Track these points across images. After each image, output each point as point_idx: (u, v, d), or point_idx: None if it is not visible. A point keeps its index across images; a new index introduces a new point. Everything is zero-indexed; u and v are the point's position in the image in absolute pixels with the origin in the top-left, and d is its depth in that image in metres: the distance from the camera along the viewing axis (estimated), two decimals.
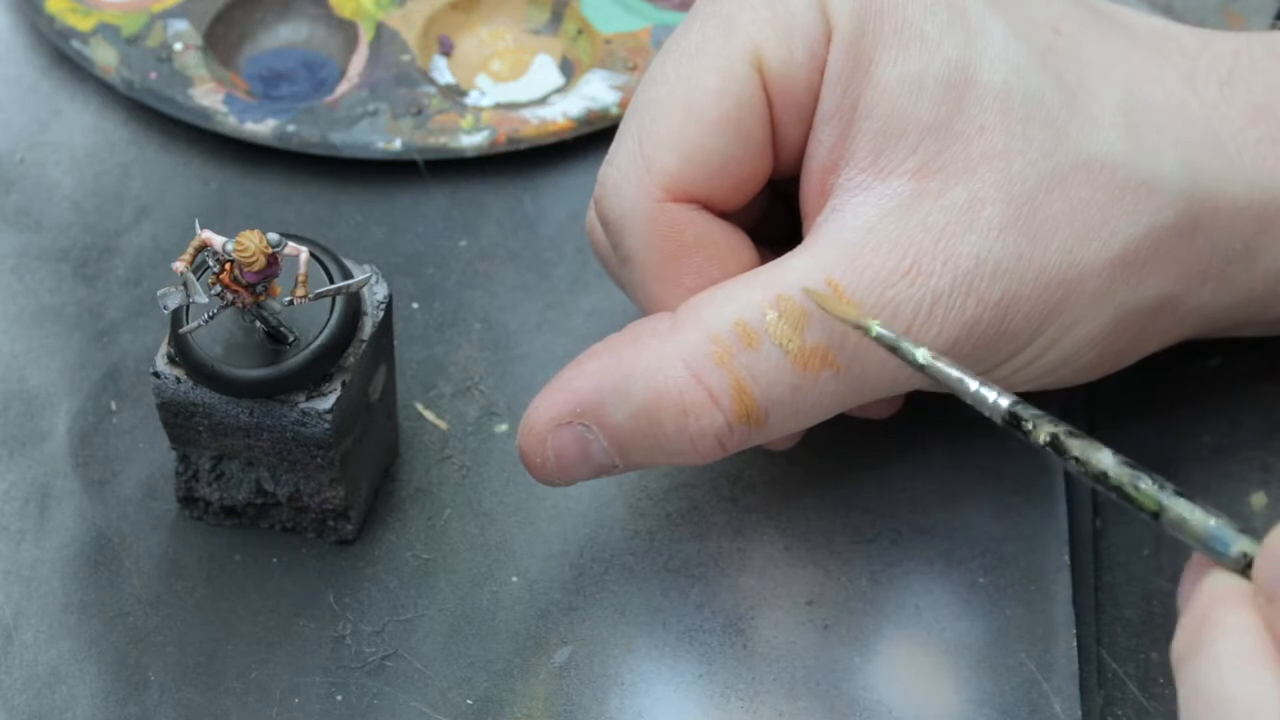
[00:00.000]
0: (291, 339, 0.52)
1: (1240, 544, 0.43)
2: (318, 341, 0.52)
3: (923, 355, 0.48)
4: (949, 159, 0.50)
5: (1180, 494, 0.45)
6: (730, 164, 0.52)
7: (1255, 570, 0.43)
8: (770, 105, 0.52)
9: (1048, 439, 0.46)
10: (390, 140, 0.65)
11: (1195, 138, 0.53)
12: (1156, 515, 0.45)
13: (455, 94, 0.67)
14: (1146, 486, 0.45)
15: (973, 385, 0.48)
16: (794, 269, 0.50)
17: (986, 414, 0.47)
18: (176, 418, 0.54)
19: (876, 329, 0.49)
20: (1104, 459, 0.46)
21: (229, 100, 0.65)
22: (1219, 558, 0.44)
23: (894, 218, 0.50)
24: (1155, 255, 0.52)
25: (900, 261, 0.50)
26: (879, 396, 0.52)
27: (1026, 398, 0.54)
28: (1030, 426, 0.47)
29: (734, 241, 0.53)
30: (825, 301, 0.49)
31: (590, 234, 0.57)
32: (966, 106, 0.50)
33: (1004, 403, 0.47)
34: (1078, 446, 0.46)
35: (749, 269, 0.52)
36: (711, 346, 0.50)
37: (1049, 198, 0.51)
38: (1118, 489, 0.45)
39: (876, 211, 0.50)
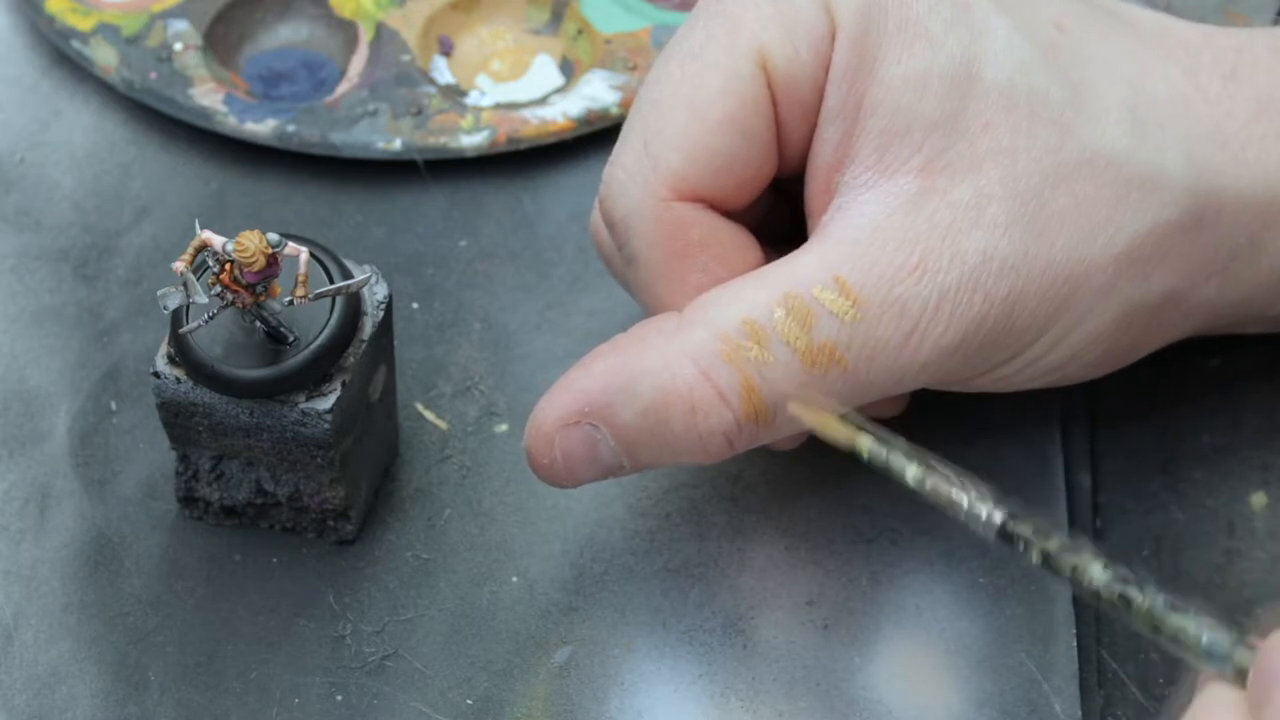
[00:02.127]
0: (291, 339, 0.52)
1: (1235, 657, 0.43)
2: (318, 341, 0.52)
3: (912, 475, 0.48)
4: (954, 156, 0.50)
5: (1176, 608, 0.44)
6: (735, 163, 0.52)
7: (1248, 684, 0.43)
8: (775, 104, 0.52)
9: (1039, 559, 0.46)
10: (390, 140, 0.65)
11: (1199, 133, 0.53)
12: (1154, 632, 0.45)
13: (455, 94, 0.67)
14: (1138, 604, 0.45)
15: (964, 502, 0.47)
16: (801, 267, 0.50)
17: (979, 533, 0.47)
18: (176, 418, 0.54)
19: (868, 448, 0.49)
20: (1095, 575, 0.45)
21: (229, 100, 0.65)
22: (1217, 669, 0.44)
23: (900, 215, 0.50)
24: (1160, 251, 0.52)
25: (907, 258, 0.50)
26: (885, 395, 0.52)
27: (1030, 395, 0.55)
28: (1022, 547, 0.46)
29: (740, 240, 0.53)
30: (818, 422, 0.50)
31: (594, 234, 0.57)
32: (971, 103, 0.50)
33: (997, 519, 0.47)
34: (1069, 564, 0.46)
35: (755, 268, 0.52)
36: (719, 345, 0.50)
37: (1054, 194, 0.51)
38: (1110, 605, 0.45)
39: (883, 209, 0.50)
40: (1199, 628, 0.44)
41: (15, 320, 0.61)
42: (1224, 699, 0.43)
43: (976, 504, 0.47)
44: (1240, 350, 0.60)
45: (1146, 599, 0.45)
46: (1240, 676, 0.43)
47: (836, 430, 0.49)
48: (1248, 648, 0.43)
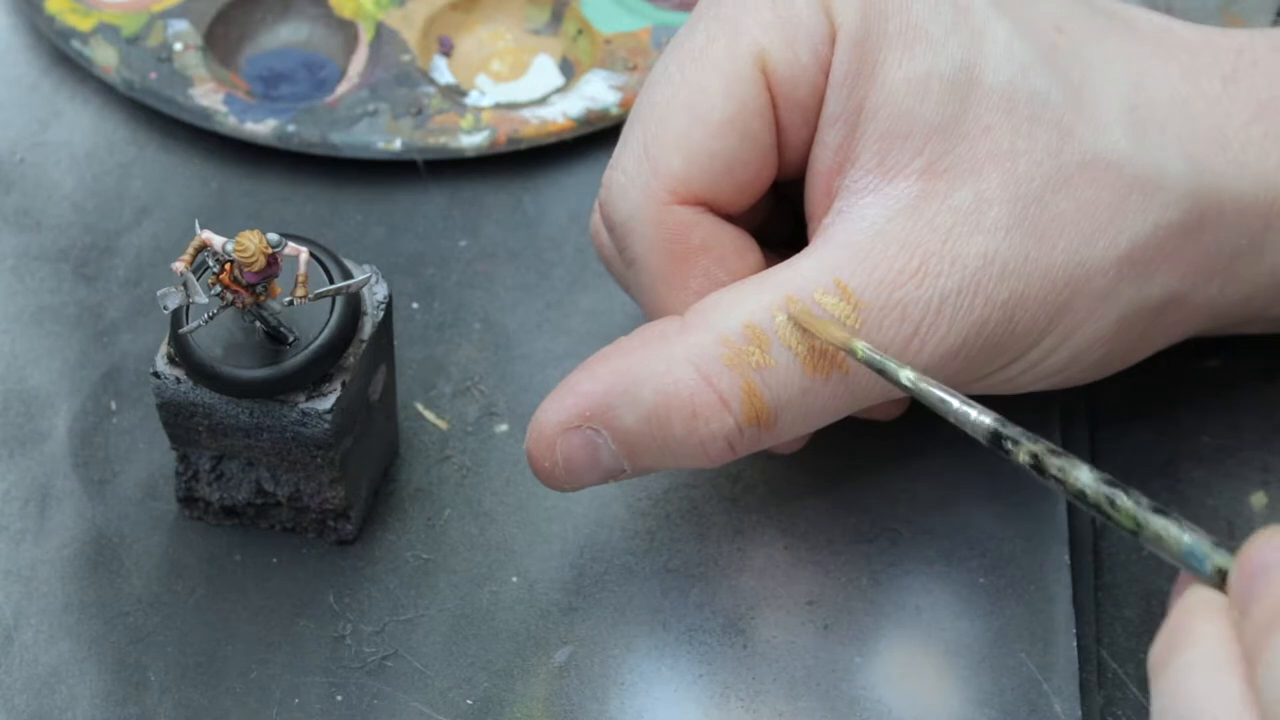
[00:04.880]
0: (291, 339, 0.52)
1: (1216, 559, 0.43)
2: (318, 341, 0.52)
3: (906, 376, 0.48)
4: (955, 159, 0.50)
5: (1159, 510, 0.44)
6: (736, 166, 0.52)
7: (1229, 583, 0.43)
8: (775, 107, 0.52)
9: (1028, 458, 0.46)
10: (390, 140, 0.65)
11: (1200, 134, 0.53)
12: (1135, 532, 0.45)
13: (455, 94, 0.67)
14: (1123, 503, 0.45)
15: (955, 404, 0.48)
16: (803, 271, 0.50)
17: (969, 432, 0.47)
18: (176, 418, 0.54)
19: (863, 350, 0.49)
20: (1082, 476, 0.45)
21: (229, 100, 0.65)
22: (1197, 572, 0.44)
23: (901, 219, 0.50)
24: (1162, 253, 0.52)
25: (908, 262, 0.50)
26: (886, 398, 0.52)
27: (1030, 396, 0.55)
28: (1011, 446, 0.47)
29: (740, 244, 0.53)
30: (811, 323, 0.50)
31: (595, 237, 0.57)
32: (972, 107, 0.50)
33: (986, 421, 0.47)
34: (1057, 465, 0.46)
35: (755, 271, 0.52)
36: (721, 349, 0.50)
37: (1055, 197, 0.51)
38: (1096, 507, 0.45)
39: (884, 213, 0.50)
40: (1181, 529, 0.44)
41: (15, 320, 0.61)
42: (1206, 600, 0.43)
43: (966, 405, 0.47)
44: (1240, 350, 0.60)
45: (1131, 499, 0.45)
46: (1221, 578, 0.43)
47: (833, 334, 0.49)
48: (1229, 551, 0.43)
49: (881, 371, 0.49)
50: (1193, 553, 0.44)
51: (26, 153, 0.66)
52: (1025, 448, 0.46)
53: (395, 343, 0.57)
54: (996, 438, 0.47)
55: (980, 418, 0.47)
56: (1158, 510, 0.44)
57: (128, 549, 0.56)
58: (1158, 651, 0.43)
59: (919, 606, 0.55)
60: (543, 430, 0.52)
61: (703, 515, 0.57)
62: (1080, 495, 0.45)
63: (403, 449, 0.59)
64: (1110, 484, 0.45)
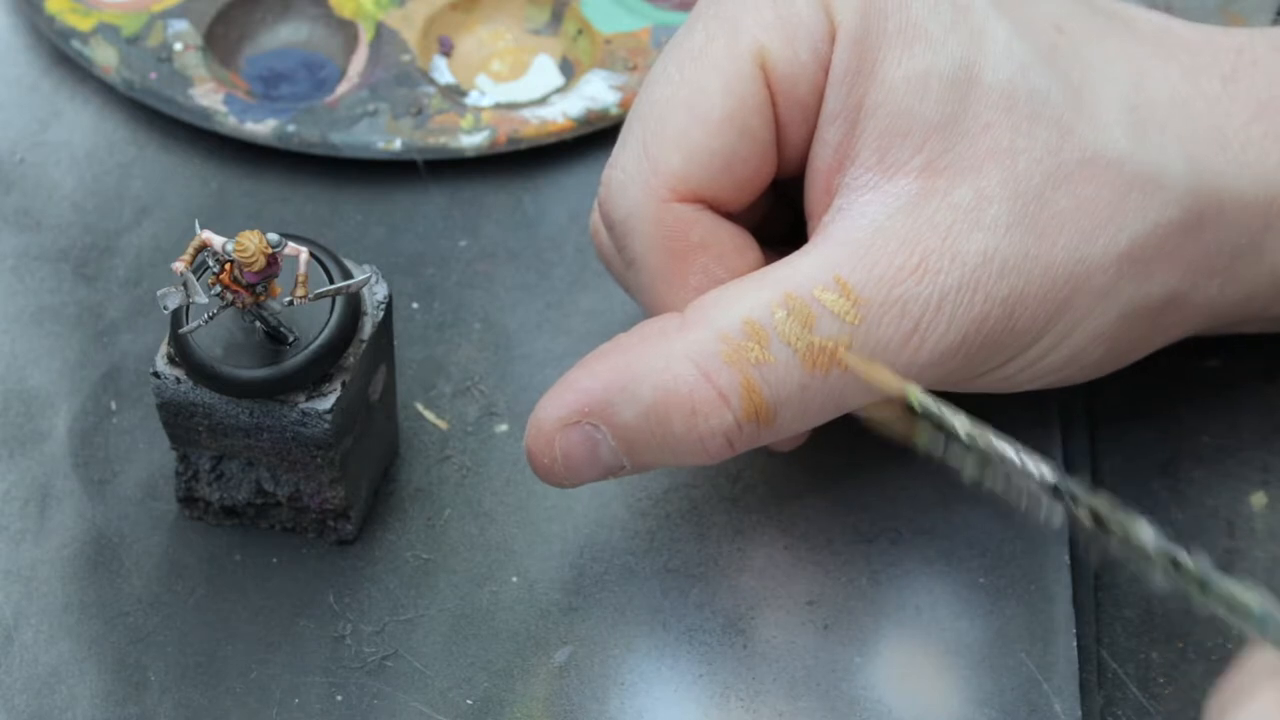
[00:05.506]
0: (291, 339, 0.52)
1: None
2: (318, 341, 0.52)
3: (963, 426, 0.48)
4: (955, 157, 0.50)
5: (1223, 572, 0.45)
6: (735, 164, 0.52)
7: None
8: (774, 105, 0.52)
9: (1089, 518, 0.46)
10: (390, 140, 0.65)
11: (1200, 133, 0.53)
12: (1203, 593, 0.45)
13: (455, 94, 0.67)
14: (1188, 566, 0.45)
15: (1013, 457, 0.48)
16: (802, 268, 0.50)
17: (1028, 486, 0.47)
18: (176, 418, 0.54)
19: (917, 398, 0.49)
20: (1145, 536, 0.46)
21: (229, 100, 0.65)
22: (1264, 635, 0.44)
23: (901, 216, 0.50)
24: (1162, 251, 0.52)
25: (908, 259, 0.50)
26: (885, 396, 0.52)
27: (1030, 395, 0.55)
28: (1072, 502, 0.47)
29: (739, 242, 0.53)
30: (869, 372, 0.50)
31: (594, 236, 0.57)
32: (971, 104, 0.51)
33: (1049, 475, 0.47)
34: (1119, 523, 0.46)
35: (754, 269, 0.52)
36: (720, 345, 0.50)
37: (1055, 195, 0.51)
38: (1160, 568, 0.45)
39: (883, 210, 0.50)
40: (1246, 593, 0.44)
41: (15, 320, 0.61)
42: (1269, 663, 0.44)
43: (1026, 459, 0.47)
44: (1240, 350, 0.60)
45: (1195, 562, 0.45)
46: None
47: (888, 380, 0.49)
48: None
49: (938, 423, 0.49)
50: (1261, 619, 0.44)
51: (26, 153, 0.66)
52: (1087, 504, 0.47)
53: (395, 343, 0.57)
54: (1056, 492, 0.47)
55: (1043, 472, 0.47)
56: (1222, 572, 0.45)
57: (128, 549, 0.56)
58: (1219, 703, 0.44)
59: (919, 606, 0.55)
60: (542, 426, 0.52)
61: (703, 515, 0.57)
62: (1144, 555, 0.46)
63: (403, 449, 0.59)
64: (1172, 543, 0.45)
